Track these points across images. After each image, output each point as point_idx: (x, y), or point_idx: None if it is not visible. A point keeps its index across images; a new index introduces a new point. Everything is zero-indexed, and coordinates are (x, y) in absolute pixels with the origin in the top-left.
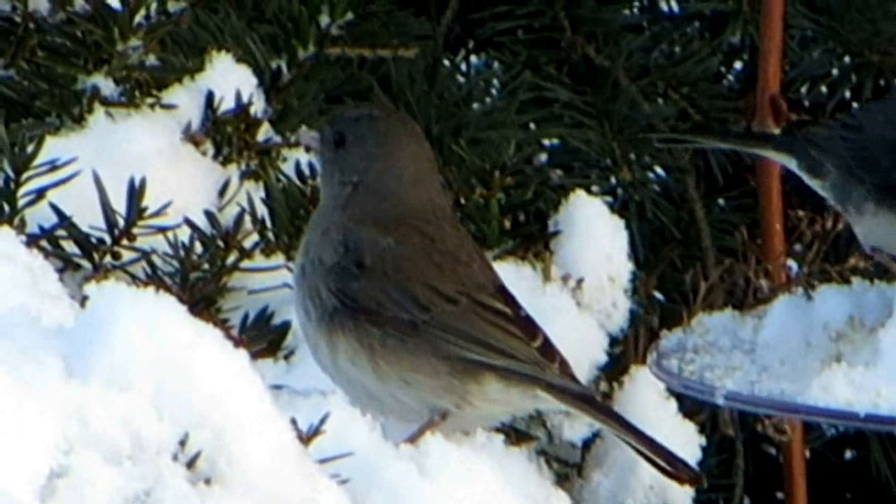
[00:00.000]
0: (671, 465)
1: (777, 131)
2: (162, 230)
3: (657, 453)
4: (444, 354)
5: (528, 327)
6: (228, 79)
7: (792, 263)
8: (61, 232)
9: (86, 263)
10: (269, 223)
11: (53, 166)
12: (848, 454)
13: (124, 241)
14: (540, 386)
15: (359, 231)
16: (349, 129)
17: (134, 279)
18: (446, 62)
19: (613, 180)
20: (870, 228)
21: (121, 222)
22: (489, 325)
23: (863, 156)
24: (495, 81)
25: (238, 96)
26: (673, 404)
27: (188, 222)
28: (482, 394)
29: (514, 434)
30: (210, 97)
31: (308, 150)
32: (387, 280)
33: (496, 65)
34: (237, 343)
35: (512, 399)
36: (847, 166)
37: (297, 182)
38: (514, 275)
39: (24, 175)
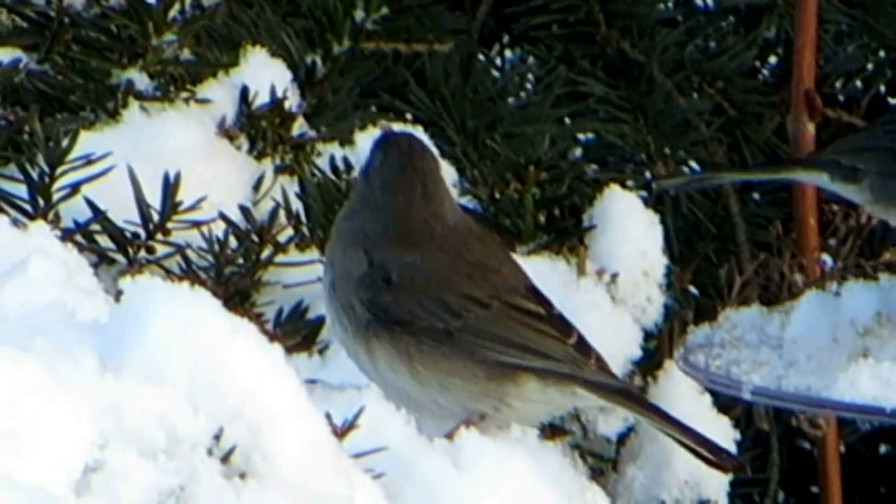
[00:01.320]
0: (714, 455)
1: (812, 126)
2: (196, 225)
3: (700, 443)
4: (480, 359)
5: (563, 326)
6: (263, 73)
7: (826, 258)
8: (96, 226)
9: (120, 258)
10: (303, 218)
11: (88, 161)
12: (883, 449)
13: (159, 236)
14: (578, 383)
15: (380, 250)
16: (372, 154)
17: (168, 274)
18: (481, 57)
19: (648, 175)
20: None
21: (155, 217)
22: (523, 326)
23: None
24: (530, 76)
25: (273, 91)
26: (707, 399)
27: (223, 217)
28: (520, 395)
29: (549, 429)
30: (245, 92)
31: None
32: (417, 293)
33: (531, 59)
34: (272, 337)
35: (551, 398)
36: (893, 155)
37: (332, 176)
38: (548, 269)
39: (59, 169)
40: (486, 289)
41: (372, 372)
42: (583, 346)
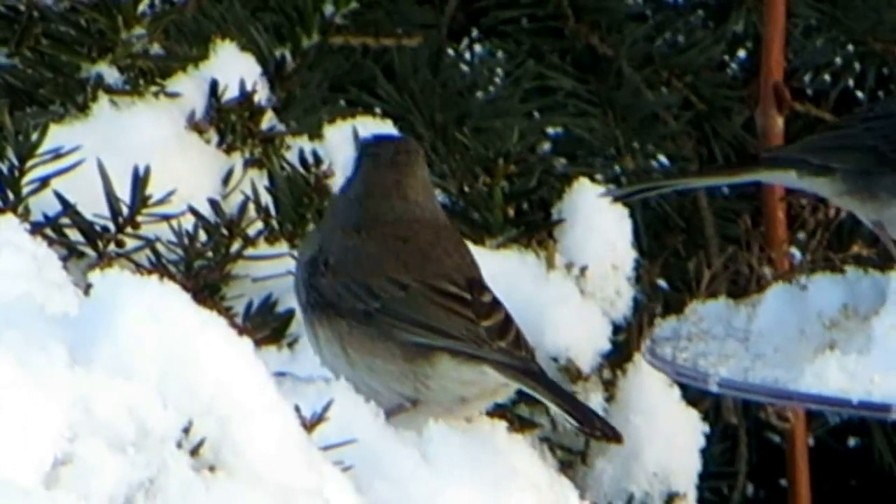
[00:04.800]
0: (587, 424)
1: (780, 120)
2: (166, 218)
3: (579, 414)
4: (398, 340)
5: (483, 309)
6: (232, 67)
7: (795, 251)
8: (65, 220)
9: (90, 251)
10: (272, 211)
11: (57, 154)
12: (851, 442)
13: (128, 229)
14: (487, 362)
15: (332, 235)
16: (359, 158)
17: (138, 267)
18: (450, 51)
19: (617, 169)
20: None
21: (125, 210)
22: (435, 306)
23: None
24: (499, 70)
25: (242, 85)
26: (676, 392)
27: (192, 210)
28: (438, 375)
29: (518, 421)
30: (214, 86)
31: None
32: (346, 275)
33: (500, 54)
34: (241, 331)
35: (466, 377)
36: (877, 154)
37: (301, 170)
38: (517, 263)
39: (29, 163)
40: (414, 273)
41: (317, 352)
42: (501, 329)
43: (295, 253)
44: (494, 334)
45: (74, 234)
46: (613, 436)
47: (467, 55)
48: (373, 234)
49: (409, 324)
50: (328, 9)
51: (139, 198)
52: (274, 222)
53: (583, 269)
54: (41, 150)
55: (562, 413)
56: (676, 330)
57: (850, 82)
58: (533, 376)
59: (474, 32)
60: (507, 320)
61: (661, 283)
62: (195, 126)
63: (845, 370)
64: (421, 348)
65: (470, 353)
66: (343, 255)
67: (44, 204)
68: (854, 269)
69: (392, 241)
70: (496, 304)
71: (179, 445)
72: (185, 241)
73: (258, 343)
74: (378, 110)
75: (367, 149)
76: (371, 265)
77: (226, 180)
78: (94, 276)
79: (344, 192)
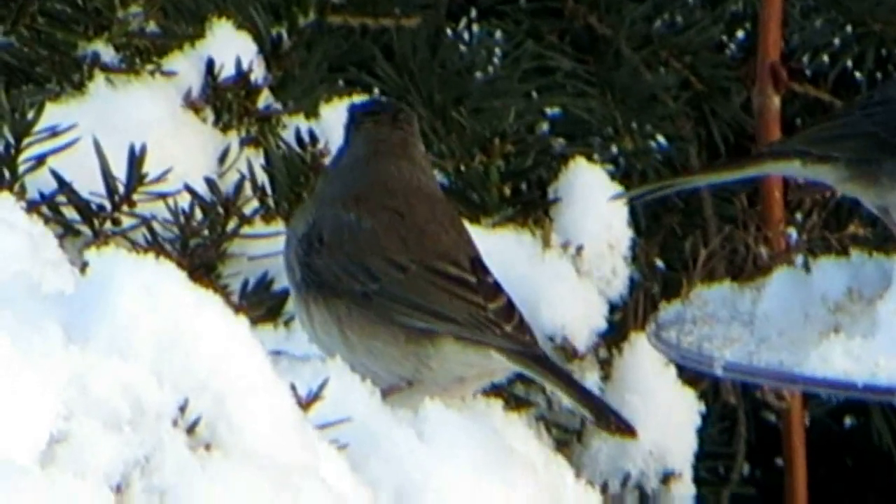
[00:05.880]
0: (603, 419)
1: (777, 100)
2: (162, 196)
3: (594, 409)
4: (398, 323)
5: (489, 292)
6: (229, 46)
7: (791, 231)
8: (61, 198)
9: (86, 230)
10: (268, 190)
11: (54, 133)
12: (848, 422)
13: (124, 208)
14: (492, 346)
15: (324, 208)
16: (349, 122)
17: (134, 245)
18: (448, 31)
19: (615, 149)
20: None
21: (121, 189)
22: (437, 290)
23: None
24: (497, 50)
25: (238, 63)
26: (672, 371)
27: (188, 189)
28: (441, 357)
29: (514, 400)
30: (210, 64)
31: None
32: (343, 254)
33: (498, 34)
34: (237, 309)
35: (470, 360)
36: (878, 140)
37: (297, 149)
38: (513, 242)
39: (25, 141)
40: (413, 253)
41: (312, 335)
42: (506, 312)
43: None
44: (501, 318)
45: (70, 213)
46: (628, 430)
47: (466, 35)
48: (369, 208)
49: (409, 307)
50: None
51: (135, 176)
52: (270, 201)
53: (579, 249)
54: (37, 128)
55: (575, 406)
56: (681, 313)
57: (849, 63)
58: (541, 363)
59: (473, 13)
60: (510, 302)
61: (658, 262)
62: (191, 105)
63: (850, 353)
64: (425, 331)
65: (475, 338)
66: (338, 231)
67: (40, 182)
68: (858, 252)
69: (389, 216)
70: (498, 285)
71: (175, 424)
72: (182, 219)
73: (254, 322)
74: (376, 90)
75: (364, 112)
76: (368, 243)
77: (222, 159)
78: (90, 255)
79: (336, 164)
